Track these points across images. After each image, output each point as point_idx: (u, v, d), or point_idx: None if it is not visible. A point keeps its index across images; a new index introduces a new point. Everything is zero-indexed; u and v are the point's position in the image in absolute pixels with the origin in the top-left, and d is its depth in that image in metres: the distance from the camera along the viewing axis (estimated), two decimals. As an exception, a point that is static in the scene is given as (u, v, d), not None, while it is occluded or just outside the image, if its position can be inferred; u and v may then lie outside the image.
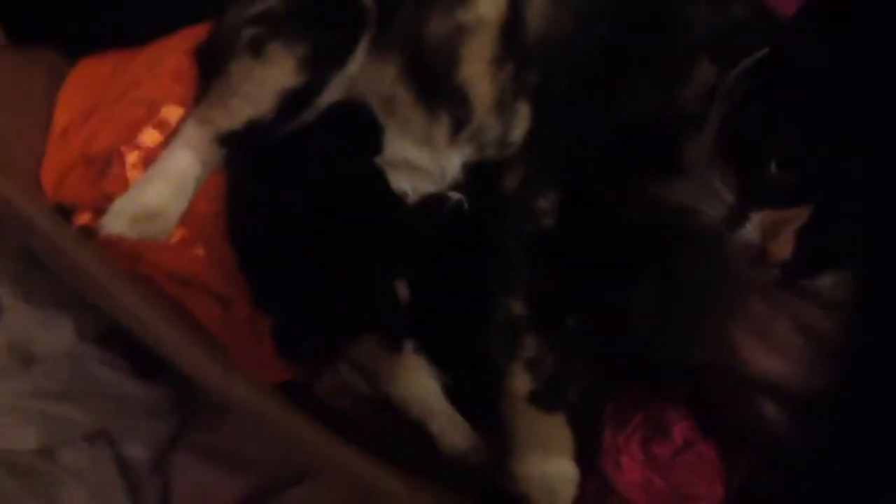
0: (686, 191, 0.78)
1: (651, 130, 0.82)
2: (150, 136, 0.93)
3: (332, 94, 0.91)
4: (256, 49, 0.87)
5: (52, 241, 0.86)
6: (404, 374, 0.90)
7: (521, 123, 0.90)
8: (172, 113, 0.93)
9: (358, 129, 0.95)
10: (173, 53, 0.96)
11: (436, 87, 0.90)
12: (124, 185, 0.91)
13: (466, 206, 0.94)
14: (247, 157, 0.93)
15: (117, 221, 0.87)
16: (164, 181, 0.89)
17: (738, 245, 0.71)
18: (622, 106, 0.84)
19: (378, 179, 0.95)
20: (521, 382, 0.83)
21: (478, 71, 0.89)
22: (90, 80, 0.97)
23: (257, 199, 0.93)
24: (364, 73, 0.91)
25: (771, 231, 0.70)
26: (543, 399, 0.83)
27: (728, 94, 0.76)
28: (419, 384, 0.90)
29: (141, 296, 0.86)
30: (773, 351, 0.79)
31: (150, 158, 0.92)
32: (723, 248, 0.77)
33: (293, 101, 0.88)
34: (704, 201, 0.75)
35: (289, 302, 0.92)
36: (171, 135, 0.93)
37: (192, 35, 0.98)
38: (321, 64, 0.88)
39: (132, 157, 0.92)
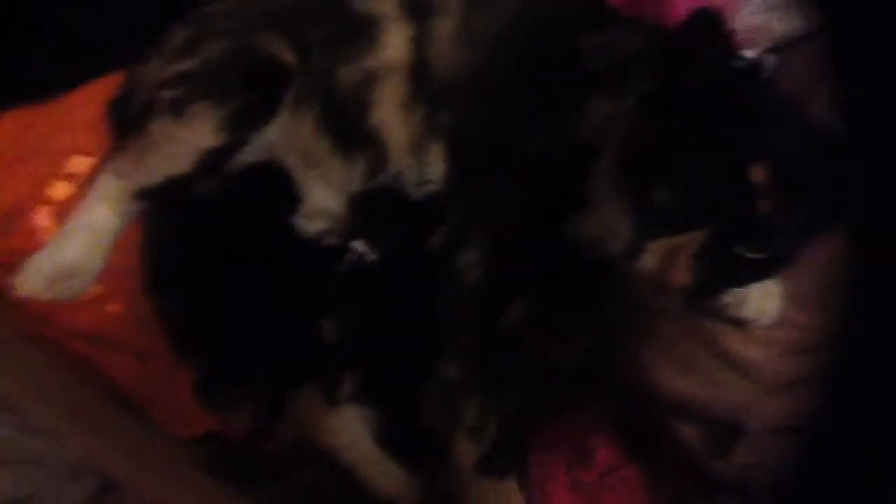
0: (592, 225, 0.79)
1: (557, 166, 0.83)
2: (60, 189, 0.92)
3: (253, 149, 0.91)
4: (177, 110, 0.87)
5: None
6: (335, 421, 0.89)
7: (436, 162, 0.92)
8: (81, 163, 0.93)
9: (274, 182, 0.95)
10: (81, 106, 0.95)
11: (350, 133, 0.92)
12: (33, 241, 0.89)
13: (371, 257, 0.93)
14: (166, 210, 0.92)
15: (33, 281, 0.85)
16: (81, 237, 0.88)
17: (639, 275, 0.72)
18: (528, 143, 0.86)
19: (291, 230, 0.96)
20: (465, 452, 0.81)
21: (390, 114, 0.91)
22: (-5, 135, 0.95)
23: (176, 250, 0.92)
24: (284, 127, 0.91)
25: (667, 259, 0.71)
26: (490, 468, 0.81)
27: (622, 125, 0.77)
28: (350, 430, 0.90)
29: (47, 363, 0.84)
30: (683, 372, 0.81)
31: (62, 212, 0.91)
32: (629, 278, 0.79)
33: (213, 160, 0.88)
34: (609, 234, 0.76)
35: (210, 351, 0.91)
36: (82, 186, 0.92)
37: (100, 88, 0.96)
38: (242, 124, 0.88)
39: (42, 213, 0.91)
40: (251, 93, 0.87)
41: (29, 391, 0.80)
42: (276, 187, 0.94)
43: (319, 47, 0.90)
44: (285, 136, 0.92)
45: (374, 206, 0.93)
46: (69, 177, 0.92)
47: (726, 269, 0.71)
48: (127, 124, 0.91)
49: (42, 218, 0.91)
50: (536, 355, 0.87)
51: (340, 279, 0.92)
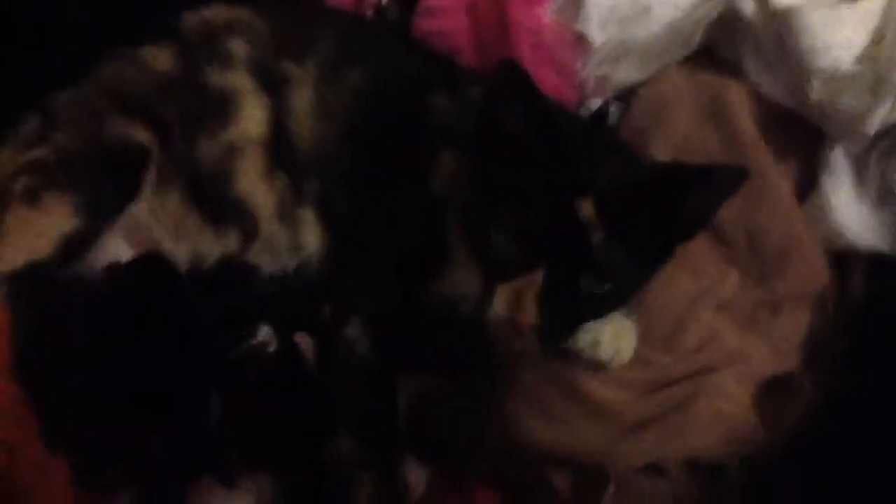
0: (451, 280, 0.81)
1: (419, 228, 0.85)
2: None
3: (120, 227, 0.90)
4: (31, 198, 0.85)
5: None
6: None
7: (310, 229, 0.93)
8: None
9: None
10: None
11: (218, 204, 0.92)
12: None
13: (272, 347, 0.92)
14: (34, 294, 0.89)
15: None
16: None
17: (493, 322, 0.73)
18: (390, 208, 0.87)
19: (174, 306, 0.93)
20: None
21: (253, 184, 0.91)
22: None
23: (47, 334, 0.89)
24: (150, 204, 0.91)
25: (515, 301, 0.71)
26: None
27: (460, 179, 0.79)
28: None
29: None
30: (545, 420, 0.81)
31: None
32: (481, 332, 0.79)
33: (74, 244, 0.87)
34: (462, 287, 0.77)
35: (85, 435, 0.88)
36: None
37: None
38: (99, 209, 0.87)
39: None
40: (105, 178, 0.87)
41: None
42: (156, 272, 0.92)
43: (177, 124, 0.91)
44: (153, 213, 0.92)
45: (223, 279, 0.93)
46: None
47: (570, 305, 0.72)
48: None
49: None
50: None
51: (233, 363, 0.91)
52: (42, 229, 0.85)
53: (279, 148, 0.92)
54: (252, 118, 0.92)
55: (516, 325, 0.71)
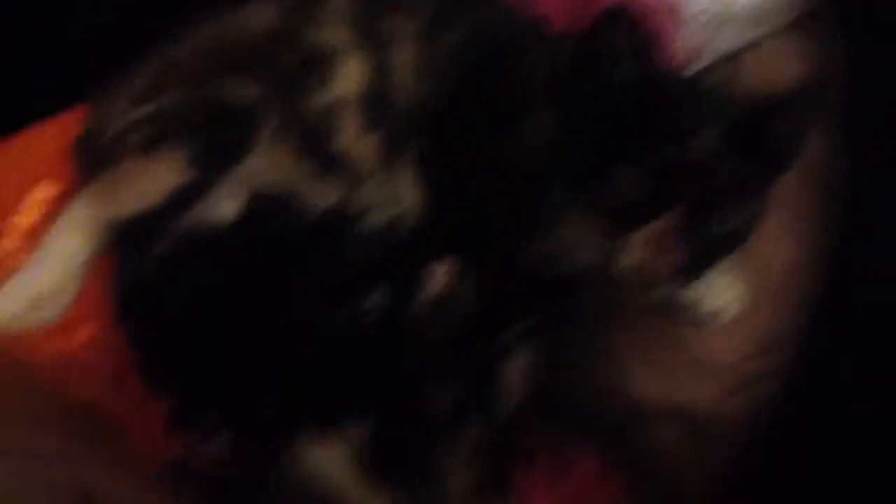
0: (551, 241, 0.81)
1: (512, 184, 0.85)
2: (27, 216, 0.93)
3: (229, 187, 0.91)
4: (146, 149, 0.88)
5: None
6: (319, 452, 0.89)
7: (408, 189, 0.93)
8: (47, 190, 0.94)
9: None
10: (41, 140, 0.97)
11: (325, 158, 0.92)
12: (3, 266, 0.90)
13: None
14: (142, 241, 0.91)
15: (4, 310, 0.86)
16: (53, 265, 0.89)
17: (625, 276, 0.73)
18: (486, 164, 0.87)
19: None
20: (463, 479, 0.83)
21: (352, 139, 0.92)
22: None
23: (152, 279, 0.92)
24: (264, 157, 0.92)
25: (648, 249, 0.71)
26: (489, 491, 0.83)
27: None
28: (335, 463, 0.89)
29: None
30: (655, 374, 0.81)
31: (31, 237, 0.92)
32: (601, 286, 0.80)
33: (185, 195, 0.89)
34: (575, 246, 0.77)
35: (184, 382, 0.91)
36: (50, 213, 0.92)
37: (58, 123, 0.98)
38: (210, 162, 0.89)
39: (11, 238, 0.92)
40: (216, 133, 0.89)
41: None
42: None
43: (282, 81, 0.91)
44: (268, 167, 0.93)
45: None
46: (35, 203, 0.94)
47: (707, 243, 0.71)
48: (97, 160, 0.91)
49: (11, 243, 0.92)
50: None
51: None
52: (156, 179, 0.88)
53: (378, 105, 0.92)
54: (352, 76, 0.92)
55: (654, 272, 0.71)
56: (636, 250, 0.72)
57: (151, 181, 0.88)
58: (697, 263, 0.72)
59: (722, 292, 0.79)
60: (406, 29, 0.93)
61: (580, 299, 0.87)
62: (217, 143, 0.88)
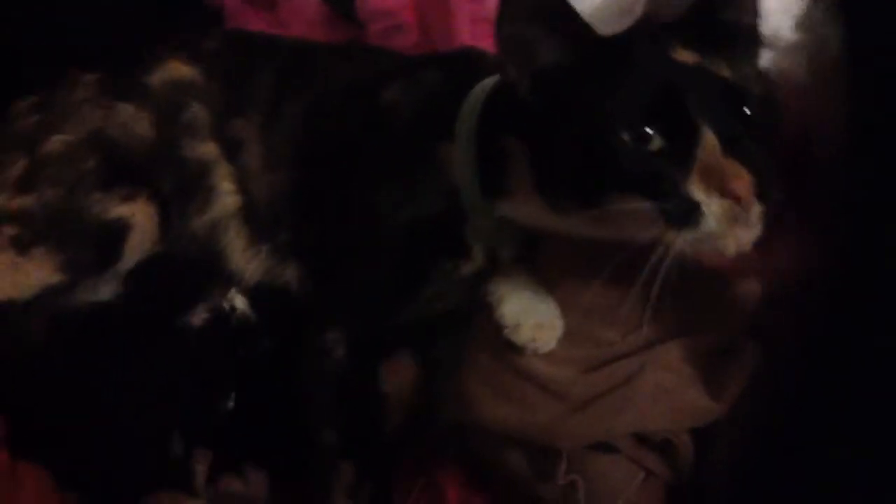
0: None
1: (424, 230, 0.85)
2: None
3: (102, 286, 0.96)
4: (19, 247, 0.90)
5: None
6: None
7: (290, 271, 0.97)
8: None
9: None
10: None
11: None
12: None
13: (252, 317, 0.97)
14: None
15: None
16: None
17: (713, 226, 0.64)
18: (384, 221, 0.87)
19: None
20: None
21: (242, 260, 0.97)
22: None
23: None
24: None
25: (715, 178, 0.63)
26: None
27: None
28: None
29: None
30: (501, 400, 0.81)
31: None
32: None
33: (56, 292, 0.92)
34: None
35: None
36: None
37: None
38: (81, 270, 0.92)
39: None
40: (89, 244, 0.92)
41: None
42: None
43: (170, 199, 0.95)
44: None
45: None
46: None
47: (754, 150, 0.64)
48: None
49: None
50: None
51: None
52: (27, 277, 0.91)
53: (252, 216, 0.95)
54: (227, 191, 0.95)
55: (738, 198, 0.62)
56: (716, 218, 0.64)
57: (23, 277, 0.90)
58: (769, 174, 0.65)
59: (535, 327, 0.80)
60: (249, 128, 0.94)
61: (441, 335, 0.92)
62: (87, 254, 0.91)
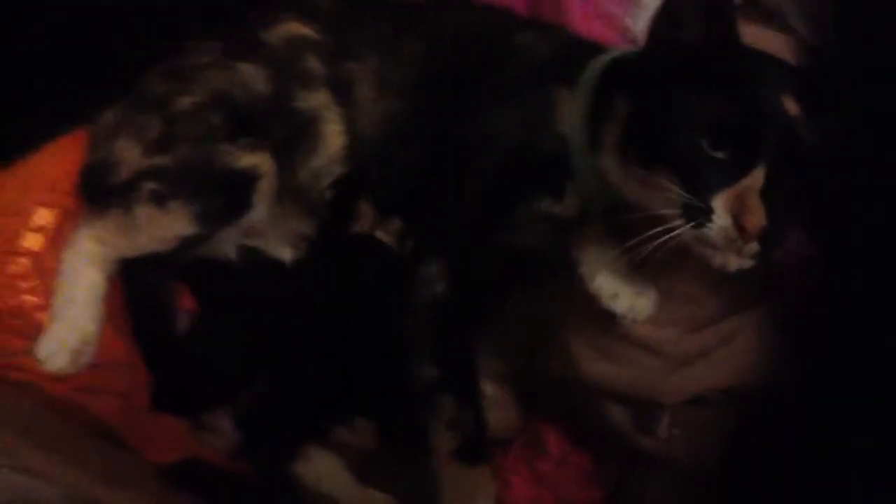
0: (573, 200, 0.88)
1: (528, 159, 0.90)
2: (31, 240, 1.01)
3: (229, 234, 1.03)
4: (158, 201, 0.97)
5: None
6: (313, 470, 0.99)
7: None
8: (47, 216, 1.02)
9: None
10: (43, 165, 1.05)
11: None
12: (13, 287, 0.99)
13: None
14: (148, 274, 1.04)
15: (60, 357, 0.95)
16: (87, 305, 0.97)
17: (714, 238, 0.73)
18: (491, 148, 0.92)
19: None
20: (444, 441, 0.87)
21: None
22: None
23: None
24: (270, 214, 1.03)
25: (738, 206, 0.71)
26: (467, 454, 0.87)
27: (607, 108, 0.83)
28: (325, 462, 0.99)
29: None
30: (604, 358, 0.86)
31: (41, 264, 1.00)
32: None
33: (191, 243, 1.00)
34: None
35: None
36: (54, 239, 1.01)
37: (58, 148, 1.07)
38: (215, 219, 0.99)
39: (18, 263, 1.00)
40: (218, 197, 0.98)
41: (18, 433, 0.88)
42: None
43: (278, 148, 1.00)
44: (274, 224, 1.04)
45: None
46: (38, 229, 1.02)
47: (786, 202, 0.73)
48: (105, 198, 1.00)
49: (18, 267, 1.00)
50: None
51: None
52: (166, 230, 0.97)
53: (351, 154, 1.01)
54: (334, 134, 1.01)
55: (744, 231, 0.71)
56: (723, 210, 0.72)
57: (162, 230, 0.98)
58: (785, 217, 0.73)
59: (633, 296, 0.83)
60: (362, 69, 1.00)
61: (539, 293, 0.95)
62: (219, 203, 0.98)
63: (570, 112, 0.87)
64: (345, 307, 1.03)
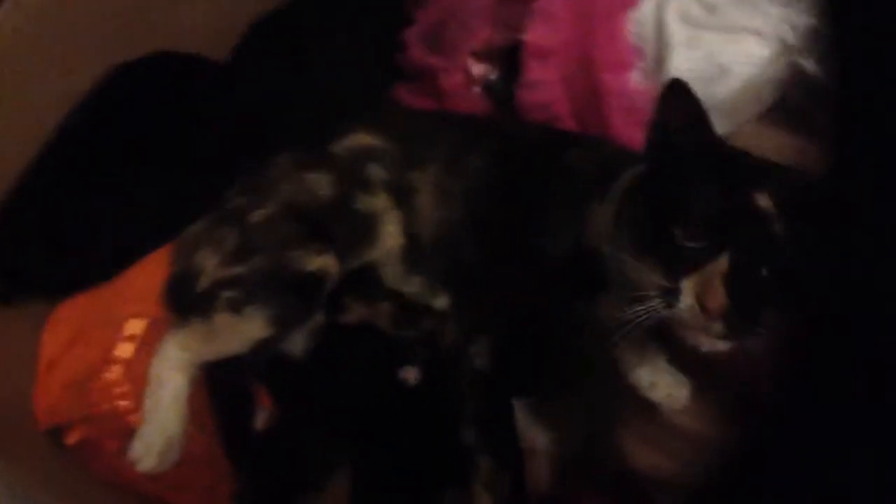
0: (611, 301, 0.93)
1: (572, 261, 0.98)
2: (124, 349, 1.09)
3: (301, 336, 1.11)
4: (235, 308, 1.04)
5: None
6: None
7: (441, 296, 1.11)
8: (138, 326, 1.11)
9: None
10: (135, 279, 1.16)
11: None
12: (108, 394, 1.07)
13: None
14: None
15: (149, 458, 1.01)
16: (173, 409, 1.04)
17: (683, 316, 0.81)
18: (540, 252, 1.00)
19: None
20: (481, 501, 0.93)
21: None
22: (67, 317, 1.15)
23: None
24: None
25: (702, 289, 0.79)
26: None
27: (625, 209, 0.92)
28: None
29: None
30: (649, 447, 0.91)
31: (132, 370, 1.08)
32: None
33: (264, 345, 1.06)
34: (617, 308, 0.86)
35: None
36: (145, 347, 1.09)
37: (147, 262, 1.17)
38: (287, 321, 1.06)
39: (113, 370, 1.08)
40: (292, 299, 1.05)
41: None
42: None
43: (341, 248, 1.08)
44: None
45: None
46: (130, 338, 1.10)
47: (755, 289, 0.80)
48: (189, 306, 1.08)
49: (112, 375, 1.08)
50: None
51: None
52: (242, 334, 1.04)
53: (411, 253, 1.09)
54: (391, 234, 1.10)
55: (707, 311, 0.79)
56: (689, 292, 0.81)
57: (239, 334, 1.05)
58: (749, 304, 0.80)
59: (669, 385, 0.90)
60: (424, 179, 1.10)
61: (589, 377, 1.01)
62: (292, 306, 1.05)
63: (599, 223, 0.95)
64: (364, 390, 1.10)
